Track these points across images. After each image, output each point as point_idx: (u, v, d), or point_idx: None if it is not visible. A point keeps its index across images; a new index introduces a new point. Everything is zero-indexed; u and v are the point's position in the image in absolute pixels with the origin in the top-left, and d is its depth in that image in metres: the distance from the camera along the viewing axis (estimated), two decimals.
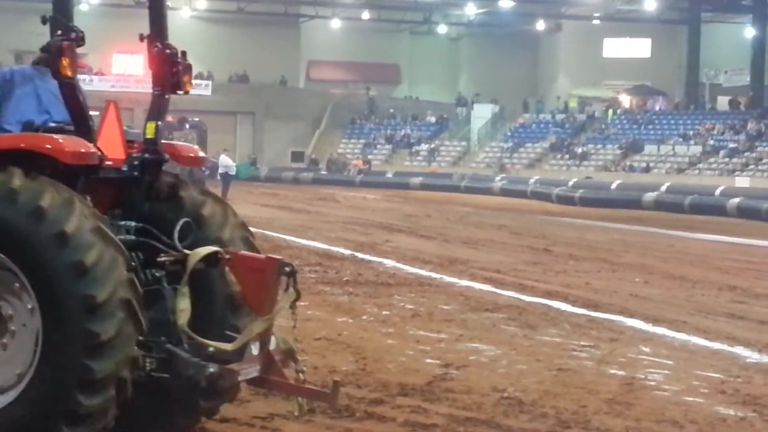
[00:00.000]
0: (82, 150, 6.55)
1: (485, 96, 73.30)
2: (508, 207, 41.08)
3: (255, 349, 6.69)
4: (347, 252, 20.46)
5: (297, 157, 73.51)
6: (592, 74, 74.07)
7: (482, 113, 71.25)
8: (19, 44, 70.17)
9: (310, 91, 78.82)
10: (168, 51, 7.17)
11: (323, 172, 66.86)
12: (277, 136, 73.84)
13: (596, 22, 73.47)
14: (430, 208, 38.87)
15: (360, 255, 20.09)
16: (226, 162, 40.28)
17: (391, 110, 77.05)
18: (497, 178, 55.64)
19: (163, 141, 7.24)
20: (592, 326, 12.47)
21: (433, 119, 74.26)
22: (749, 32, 64.19)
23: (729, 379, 9.65)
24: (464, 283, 16.36)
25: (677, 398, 8.89)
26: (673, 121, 62.67)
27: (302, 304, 7.44)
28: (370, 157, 69.65)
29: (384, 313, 13.37)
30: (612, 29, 74.34)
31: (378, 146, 72.48)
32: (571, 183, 49.72)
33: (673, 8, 69.87)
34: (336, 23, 79.50)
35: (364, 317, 12.97)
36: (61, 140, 6.57)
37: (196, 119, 70.58)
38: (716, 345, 11.39)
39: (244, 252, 6.98)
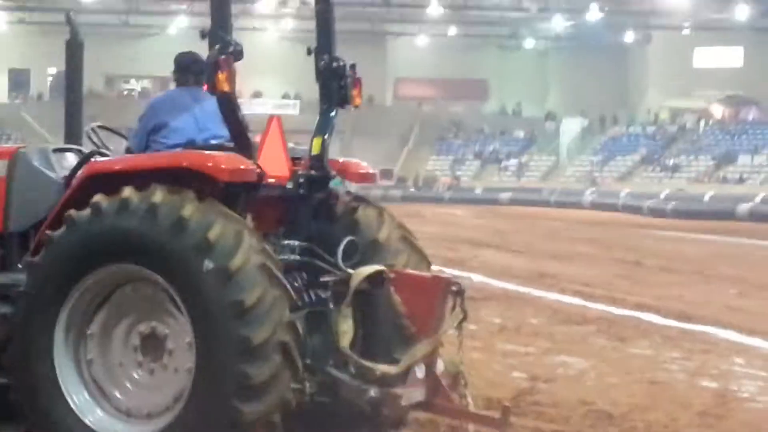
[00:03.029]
0: (241, 167, 6.34)
1: (574, 109, 72.84)
2: (598, 221, 40.65)
3: (420, 372, 6.49)
4: (435, 268, 20.25)
5: (385, 174, 73.51)
6: (682, 85, 73.12)
7: (571, 127, 70.78)
8: (109, 68, 71.56)
9: (398, 108, 78.96)
10: (335, 64, 7.05)
11: (411, 189, 66.83)
12: (365, 153, 73.93)
13: (686, 31, 72.53)
14: (519, 223, 38.60)
15: (447, 270, 19.90)
16: None
17: (480, 126, 76.91)
18: (587, 192, 55.16)
19: (330, 158, 7.06)
20: (685, 338, 12.18)
21: (521, 134, 73.94)
22: None
23: None
24: (553, 296, 16.13)
25: None
26: (767, 131, 61.60)
27: None
28: (458, 173, 69.54)
29: (471, 327, 13.15)
30: (702, 38, 73.36)
31: (466, 162, 72.32)
32: (663, 195, 49.11)
33: (765, 15, 68.71)
34: (422, 40, 79.66)
35: (450, 332, 12.76)
36: (219, 157, 6.38)
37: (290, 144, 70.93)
38: None
39: (409, 271, 6.79)
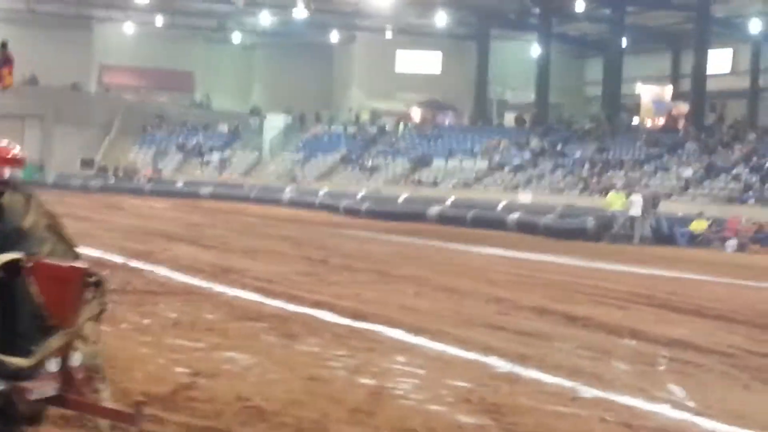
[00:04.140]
0: None
1: (279, 106, 73.21)
2: (295, 218, 41.06)
3: (54, 365, 6.25)
4: (120, 260, 20.00)
5: (87, 164, 71.85)
6: (384, 87, 74.73)
7: (275, 123, 71.10)
8: None
9: (102, 96, 77.34)
10: None
11: (112, 180, 65.62)
12: (67, 141, 72.07)
13: (389, 34, 74.07)
14: (217, 218, 38.57)
15: (133, 263, 19.67)
16: None
17: (184, 118, 76.28)
18: (287, 189, 55.55)
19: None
20: (353, 336, 12.45)
21: (225, 128, 73.78)
22: (535, 50, 65.74)
23: (477, 389, 9.73)
24: (234, 292, 16.17)
25: (421, 407, 8.91)
26: (461, 137, 63.67)
27: None
28: (160, 165, 68.72)
29: (145, 321, 13.08)
30: (404, 42, 75.21)
31: (169, 154, 71.51)
32: (359, 195, 50.04)
33: (462, 24, 71.11)
34: (129, 28, 78.24)
35: (123, 326, 12.61)
36: None
37: None
38: (471, 355, 11.50)
39: (47, 260, 6.49)
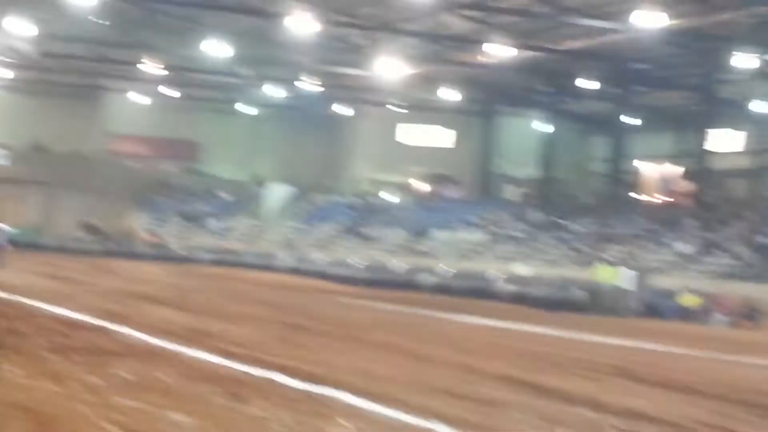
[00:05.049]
0: None
1: (281, 176, 73.48)
2: (288, 285, 40.92)
3: None
4: (91, 321, 19.80)
5: (89, 228, 72.00)
6: (389, 159, 74.96)
7: (277, 193, 71.31)
8: None
9: (109, 163, 77.73)
10: None
11: (112, 245, 65.68)
12: (71, 207, 72.30)
13: (397, 109, 74.54)
14: (210, 283, 38.50)
15: (103, 323, 19.47)
16: None
17: (187, 187, 76.55)
18: (284, 257, 55.57)
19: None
20: (305, 401, 12.17)
21: (228, 197, 73.96)
22: (539, 126, 65.97)
23: None
24: (199, 355, 15.93)
25: None
26: (463, 209, 63.72)
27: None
28: (163, 231, 68.82)
29: (96, 381, 12.84)
30: (410, 117, 75.58)
31: (172, 221, 71.67)
32: (357, 264, 49.94)
33: (470, 100, 71.47)
34: (139, 98, 78.87)
35: (72, 384, 12.40)
36: None
37: None
38: (419, 422, 11.26)
39: None
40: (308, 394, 12.69)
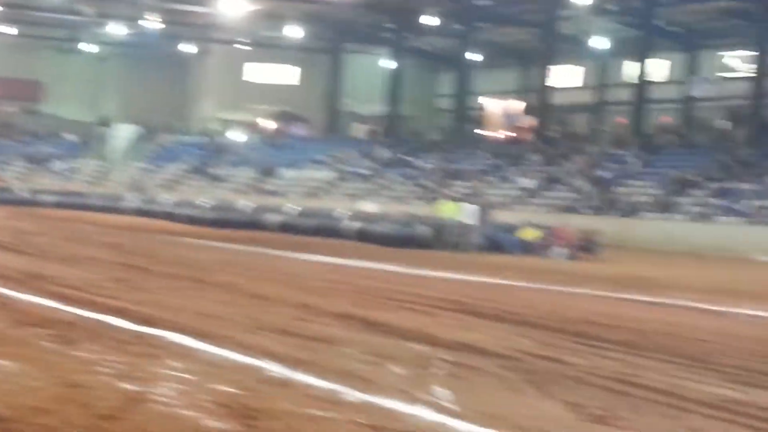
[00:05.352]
0: None
1: (129, 116, 72.40)
2: (133, 226, 40.47)
3: None
4: None
5: None
6: (235, 98, 74.43)
7: (124, 133, 70.30)
8: None
9: None
10: None
11: None
12: None
13: (241, 47, 73.88)
14: (52, 226, 37.80)
15: None
16: None
17: (31, 128, 74.90)
18: (131, 198, 54.90)
19: None
20: (136, 342, 12.13)
21: (73, 138, 72.61)
22: (385, 64, 66.14)
23: (241, 393, 9.56)
24: (33, 299, 15.74)
25: (173, 412, 8.67)
26: (311, 147, 63.74)
27: None
28: (5, 174, 67.33)
29: None
30: (257, 55, 75.04)
31: (15, 164, 70.15)
32: (203, 204, 49.56)
33: (316, 37, 71.17)
34: None
35: None
36: None
37: None
38: (250, 360, 11.31)
39: None
40: (140, 336, 12.66)
